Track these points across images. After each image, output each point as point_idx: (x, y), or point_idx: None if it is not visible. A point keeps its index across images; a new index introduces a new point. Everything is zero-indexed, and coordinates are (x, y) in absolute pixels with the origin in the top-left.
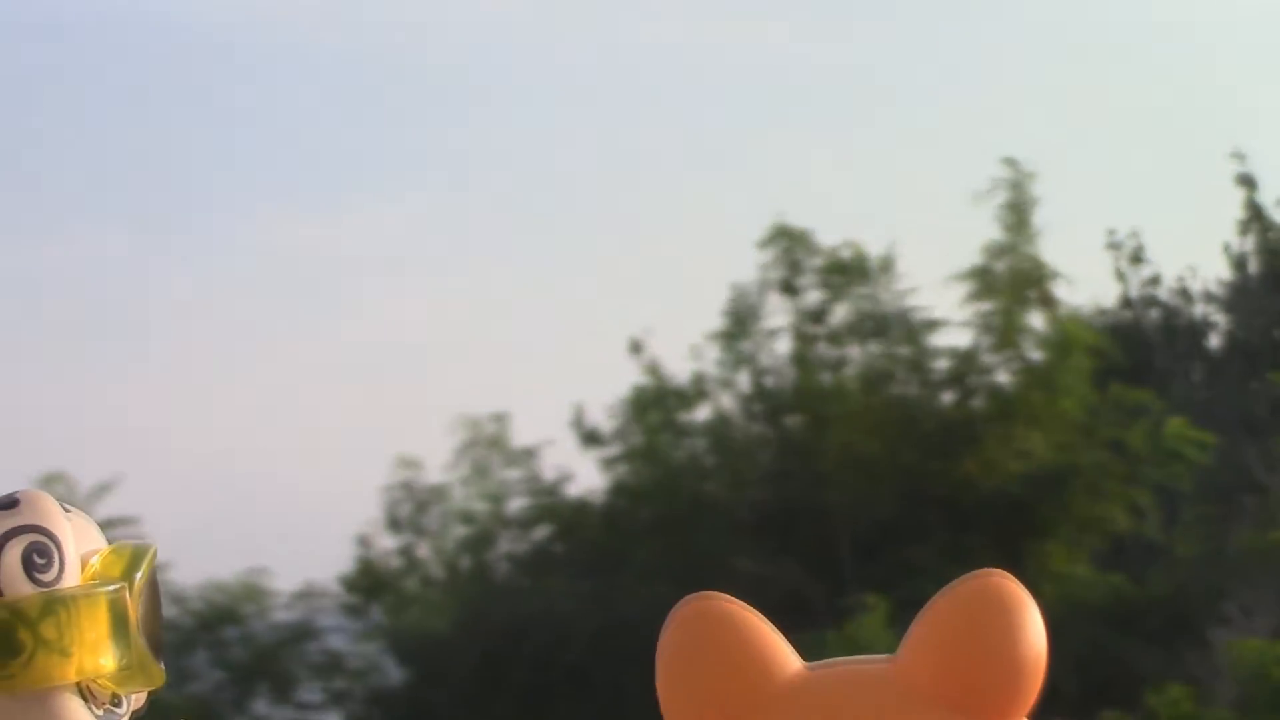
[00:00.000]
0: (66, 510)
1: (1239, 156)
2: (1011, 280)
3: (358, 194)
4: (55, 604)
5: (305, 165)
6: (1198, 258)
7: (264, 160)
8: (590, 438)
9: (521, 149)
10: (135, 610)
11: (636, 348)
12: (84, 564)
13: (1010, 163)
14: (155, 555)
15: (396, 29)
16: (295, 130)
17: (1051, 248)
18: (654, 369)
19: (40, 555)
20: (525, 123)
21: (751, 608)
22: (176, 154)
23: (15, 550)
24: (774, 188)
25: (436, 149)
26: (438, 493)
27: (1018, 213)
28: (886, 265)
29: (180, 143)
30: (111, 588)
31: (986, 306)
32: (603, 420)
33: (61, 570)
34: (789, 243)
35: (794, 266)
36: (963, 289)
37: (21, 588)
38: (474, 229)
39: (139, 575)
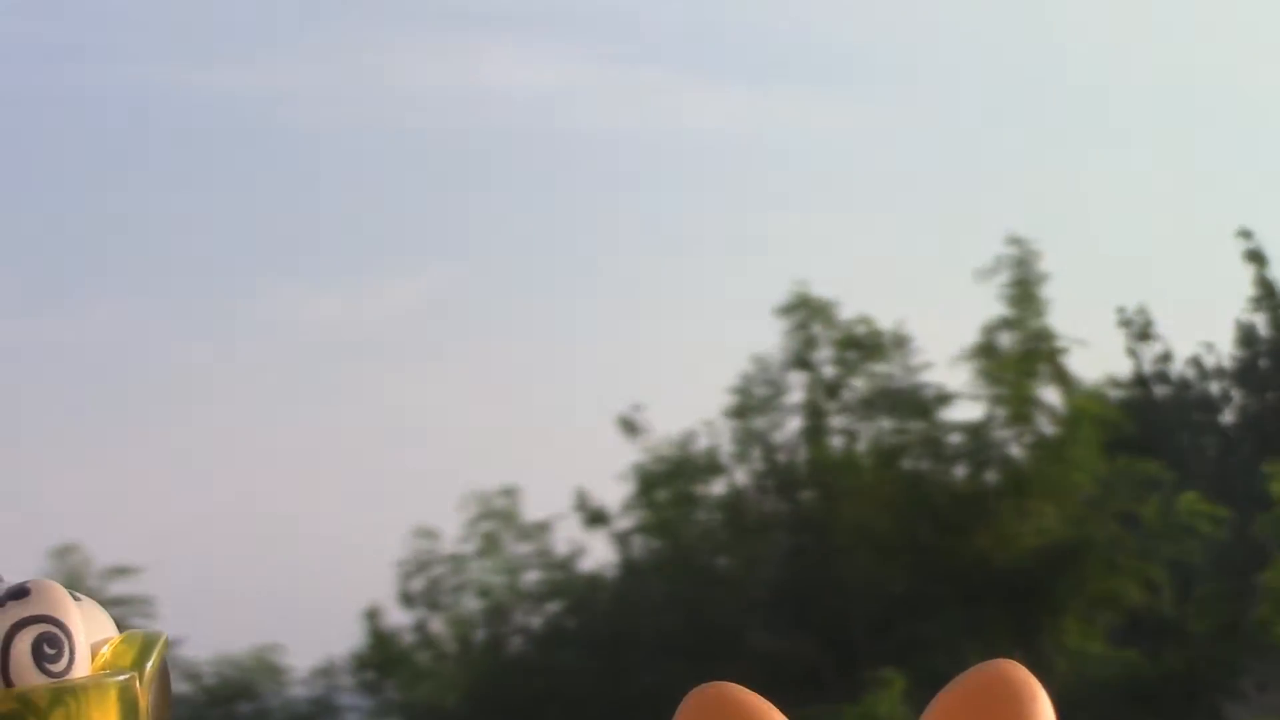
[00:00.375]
0: (77, 599)
1: (1245, 234)
2: (1022, 354)
3: (369, 272)
4: (65, 694)
5: (319, 241)
6: (1211, 333)
7: (279, 235)
8: (595, 518)
9: (531, 225)
10: (145, 699)
11: (638, 426)
12: (94, 653)
13: (1015, 240)
14: (166, 644)
15: (406, 106)
16: (309, 206)
17: (1062, 323)
18: (665, 444)
19: (50, 645)
20: (534, 198)
21: (761, 696)
22: (191, 227)
23: (25, 640)
24: (783, 264)
25: (446, 227)
26: (451, 565)
27: (1024, 288)
28: (900, 341)
29: (197, 216)
30: (122, 677)
31: (997, 381)
32: (613, 495)
33: (72, 660)
34: (809, 312)
35: (809, 341)
36: (974, 364)
37: (31, 678)
38: (485, 305)
39: (149, 664)
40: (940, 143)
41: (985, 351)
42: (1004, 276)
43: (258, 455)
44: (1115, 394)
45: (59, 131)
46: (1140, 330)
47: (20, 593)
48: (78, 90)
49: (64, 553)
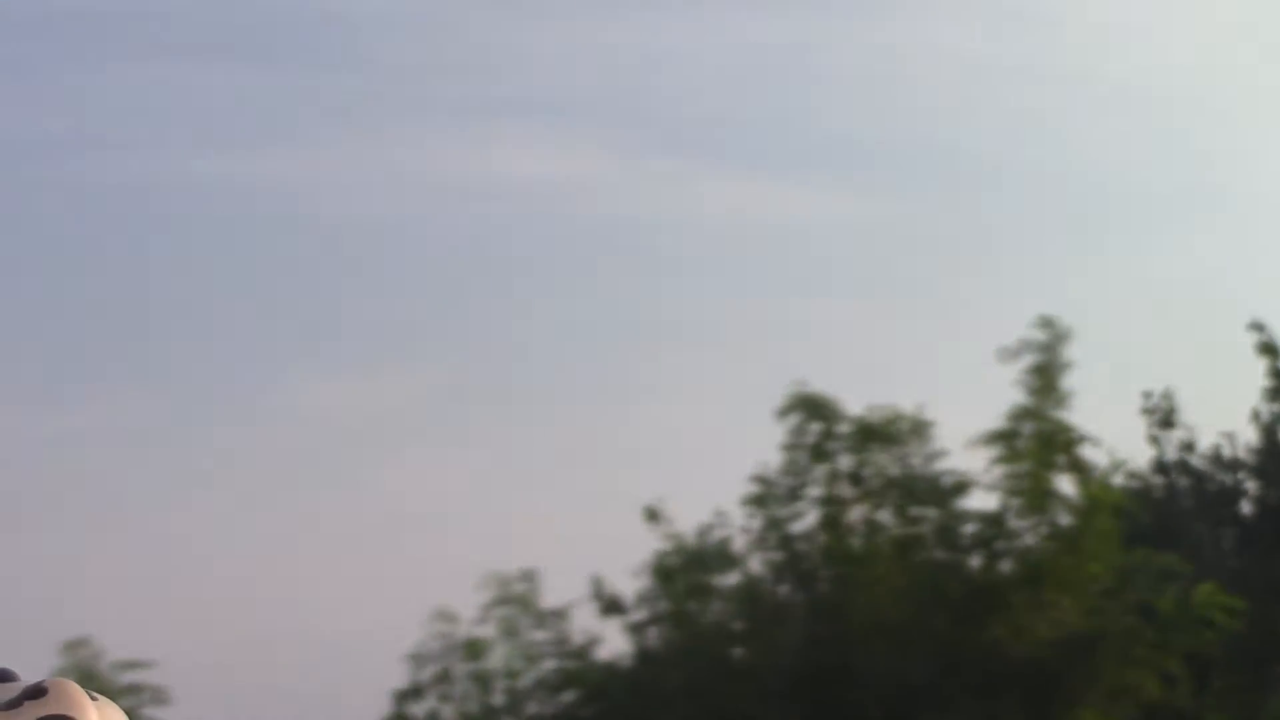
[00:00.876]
0: (94, 698)
1: (1258, 326)
2: (1039, 444)
3: (388, 360)
4: None
5: (335, 330)
6: (1231, 421)
7: (288, 323)
8: (611, 607)
9: (549, 319)
10: None
11: (653, 515)
12: None
13: (1046, 322)
14: None
15: (417, 194)
16: (319, 294)
17: (1081, 409)
18: (677, 534)
19: None
20: (555, 292)
21: None
22: (202, 318)
23: None
24: (803, 349)
25: (465, 318)
26: (468, 651)
27: (1046, 375)
28: (917, 429)
29: (209, 306)
30: None
31: (1015, 470)
32: (629, 584)
33: None
34: (808, 411)
35: (826, 431)
36: (991, 451)
37: None
38: (502, 394)
39: None
40: (961, 232)
41: (1004, 439)
42: (1028, 361)
43: (268, 542)
44: (1133, 484)
45: (70, 220)
46: (1164, 417)
47: (38, 692)
48: (91, 180)
49: (75, 646)
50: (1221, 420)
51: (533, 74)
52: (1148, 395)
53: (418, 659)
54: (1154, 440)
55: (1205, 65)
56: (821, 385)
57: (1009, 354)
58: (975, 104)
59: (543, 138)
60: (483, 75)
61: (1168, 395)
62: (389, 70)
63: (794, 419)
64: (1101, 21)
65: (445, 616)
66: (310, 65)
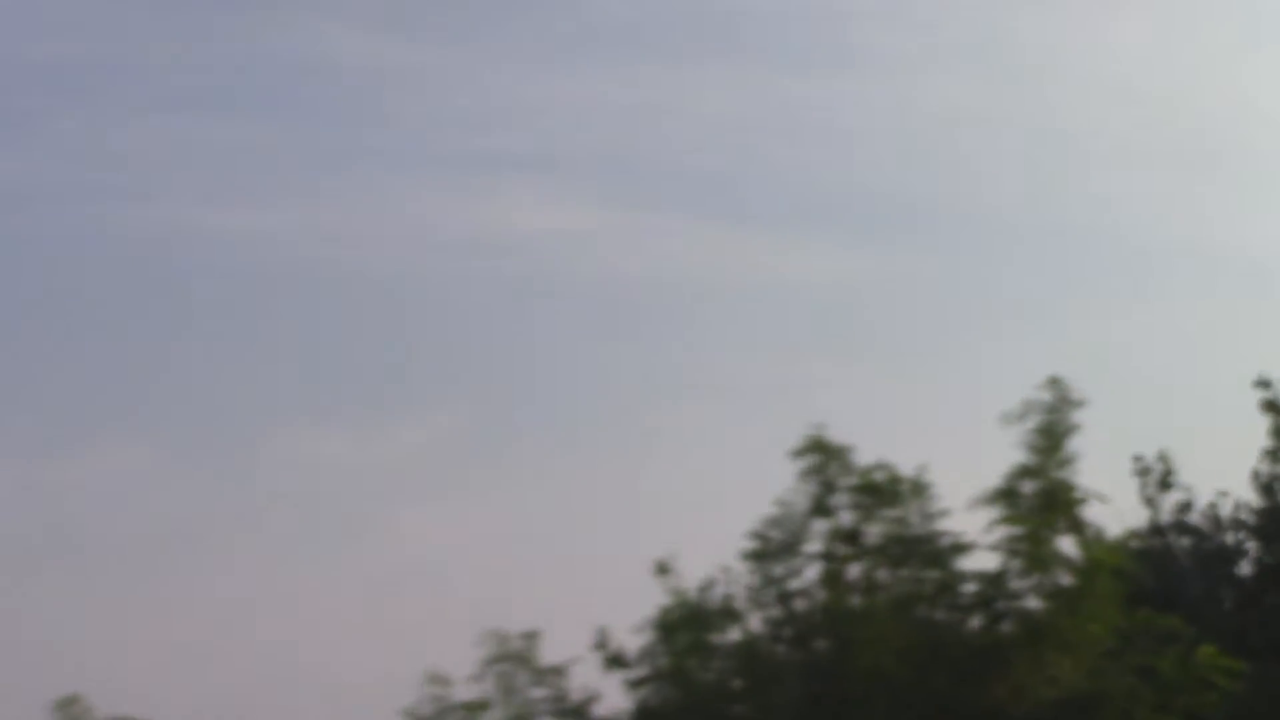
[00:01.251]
0: None
1: (1264, 383)
2: (1040, 503)
3: (390, 412)
4: None
5: (337, 382)
6: (1229, 480)
7: (296, 375)
8: (614, 660)
9: (552, 373)
10: None
11: (664, 569)
12: None
13: (1054, 382)
14: None
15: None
16: (326, 348)
17: (1079, 470)
18: (681, 590)
19: None
20: (558, 346)
21: None
22: (206, 371)
23: None
24: (804, 407)
25: (468, 371)
26: (465, 710)
27: (1052, 436)
28: (918, 488)
29: (210, 360)
30: None
31: (1015, 530)
32: (629, 640)
33: None
34: (824, 457)
35: (827, 486)
36: (992, 511)
37: None
38: (505, 447)
39: None
40: (963, 289)
41: (1005, 498)
42: (1031, 422)
43: (265, 595)
44: (1133, 544)
45: (71, 272)
46: (1161, 478)
47: None
48: (91, 231)
49: (67, 705)
50: (1219, 478)
51: (536, 128)
52: (1139, 458)
53: (413, 717)
54: (1149, 502)
55: (1208, 127)
56: (832, 436)
57: (1013, 414)
58: (977, 161)
59: (546, 192)
60: (486, 129)
61: (1165, 456)
62: (393, 123)
63: (807, 462)
64: (1104, 78)
65: (437, 680)
66: (313, 118)
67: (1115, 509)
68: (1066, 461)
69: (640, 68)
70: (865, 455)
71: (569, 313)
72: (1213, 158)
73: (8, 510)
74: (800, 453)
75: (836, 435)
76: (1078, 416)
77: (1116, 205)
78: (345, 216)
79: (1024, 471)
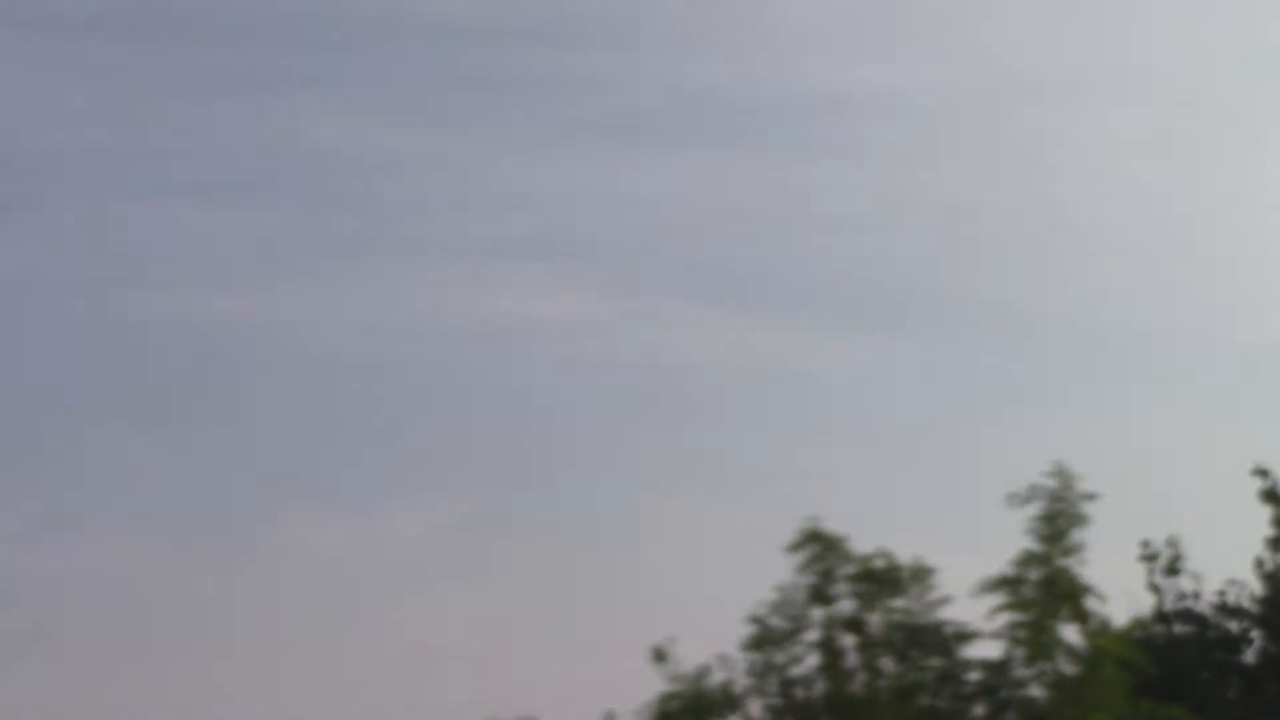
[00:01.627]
0: None
1: (1262, 472)
2: (1045, 591)
3: (389, 499)
4: None
5: (338, 468)
6: (1235, 568)
7: (296, 461)
8: None
9: (552, 459)
10: None
11: (661, 655)
12: None
13: (1059, 470)
14: None
15: (421, 335)
16: (326, 433)
17: (1084, 557)
18: (680, 676)
19: None
20: (558, 433)
21: None
22: (205, 456)
23: None
24: (804, 492)
25: (468, 458)
26: None
27: (1057, 523)
28: (919, 575)
29: (209, 445)
30: None
31: (1019, 617)
32: None
33: None
34: (820, 548)
35: (827, 574)
36: (995, 598)
37: None
38: (502, 537)
39: None
40: (966, 377)
41: (1009, 585)
42: (1037, 508)
43: (266, 684)
44: (1138, 634)
45: (76, 358)
46: (1169, 563)
47: None
48: (97, 317)
49: None
50: (1224, 567)
51: (537, 216)
52: (1146, 544)
53: None
54: (1155, 589)
55: (1205, 216)
56: (827, 525)
57: (1018, 499)
58: (978, 251)
59: (545, 279)
60: (486, 216)
61: (1173, 542)
62: (394, 210)
63: (804, 554)
64: (1103, 170)
65: None
66: (315, 204)
67: (1119, 593)
68: (1072, 550)
69: (640, 156)
70: (864, 540)
71: (568, 399)
72: (1212, 247)
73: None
74: (797, 546)
75: (834, 522)
76: (1085, 507)
77: (1115, 295)
78: (345, 302)
79: (1029, 559)
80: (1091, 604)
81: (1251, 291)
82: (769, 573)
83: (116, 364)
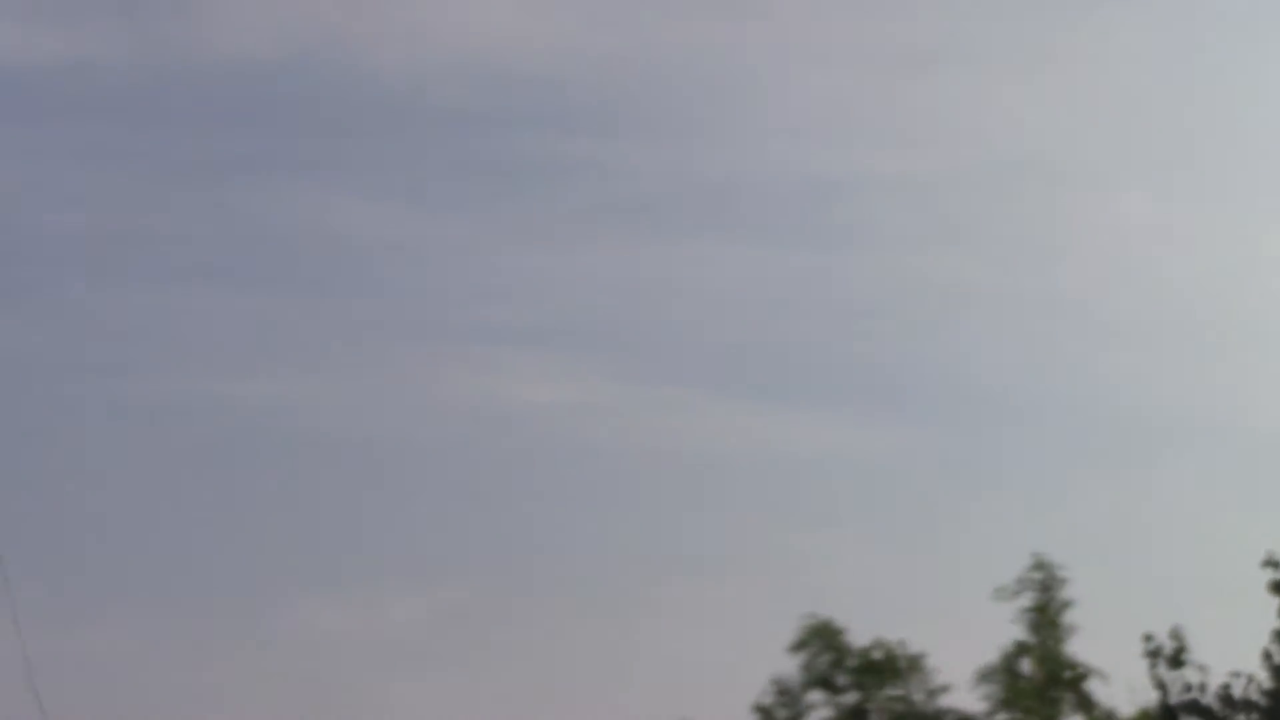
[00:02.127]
0: None
1: (1274, 563)
2: (1042, 680)
3: (393, 581)
4: None
5: (337, 554)
6: (1241, 660)
7: (299, 545)
8: None
9: (554, 543)
10: None
11: None
12: None
13: (1040, 564)
14: None
15: (422, 418)
16: (330, 517)
17: (1087, 647)
18: None
19: None
20: (560, 517)
21: None
22: (206, 540)
23: None
24: (805, 582)
25: (471, 541)
26: None
27: (1046, 613)
28: (916, 664)
29: (211, 529)
30: None
31: (1018, 707)
32: None
33: None
34: (822, 641)
35: (831, 665)
36: (993, 688)
37: None
38: (502, 622)
39: None
40: (967, 462)
41: (1004, 674)
42: (1026, 599)
43: None
44: None
45: (71, 442)
46: (1173, 656)
47: None
48: (100, 401)
49: None
50: (1230, 659)
51: (538, 302)
52: (1149, 638)
53: None
54: (1159, 683)
55: (1209, 302)
56: (827, 614)
57: (1005, 592)
58: (979, 334)
59: (547, 364)
60: (489, 301)
61: (1176, 634)
62: (401, 295)
63: (808, 651)
64: (1105, 254)
65: None
66: (318, 288)
67: (1125, 687)
68: (1064, 636)
69: (641, 243)
70: (865, 625)
71: (570, 484)
72: (1220, 332)
73: (8, 681)
74: (799, 645)
75: (836, 608)
76: (1067, 592)
77: (1122, 379)
78: (348, 386)
79: (1021, 649)
80: (1095, 693)
81: (1261, 377)
82: (770, 657)
83: (114, 447)
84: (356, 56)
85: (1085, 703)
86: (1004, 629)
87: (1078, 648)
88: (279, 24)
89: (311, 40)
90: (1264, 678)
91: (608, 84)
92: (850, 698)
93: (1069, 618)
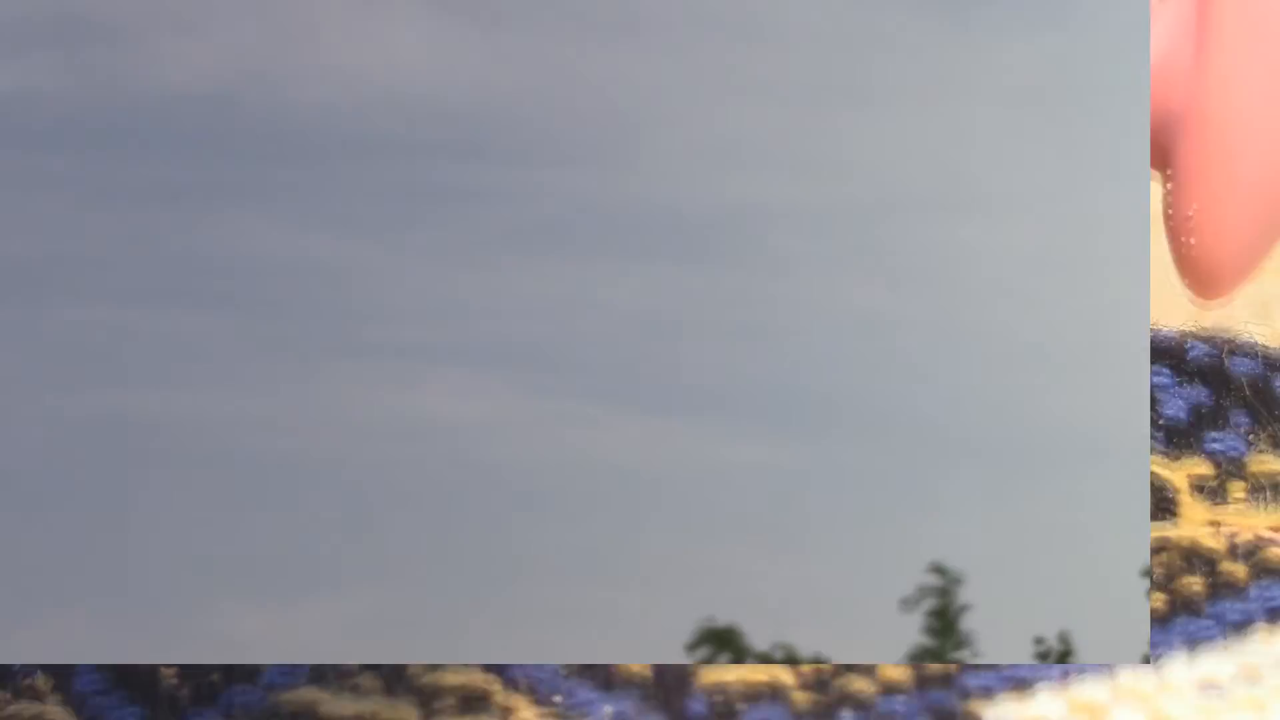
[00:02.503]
0: None
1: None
2: None
3: (308, 597)
4: None
5: (252, 567)
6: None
7: (220, 561)
8: None
9: (467, 562)
10: None
11: None
12: None
13: (938, 569)
14: None
15: (337, 436)
16: (246, 533)
17: (985, 650)
18: None
19: None
20: (470, 534)
21: None
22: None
23: None
24: (704, 593)
25: (384, 558)
26: None
27: (945, 619)
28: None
29: (145, 550)
30: None
31: None
32: None
33: None
34: (717, 646)
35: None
36: None
37: None
38: (424, 638)
39: None
40: (873, 478)
41: None
42: (926, 607)
43: None
44: None
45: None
46: (1060, 658)
47: None
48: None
49: None
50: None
51: (456, 320)
52: (1039, 640)
53: None
54: None
55: (1103, 325)
56: (729, 623)
57: (910, 603)
58: (906, 360)
59: (463, 381)
60: (407, 321)
61: (1064, 637)
62: (319, 315)
63: (701, 654)
64: (999, 283)
65: None
66: (243, 309)
67: None
68: (962, 643)
69: (551, 265)
70: (764, 634)
71: (486, 501)
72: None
73: None
74: (693, 646)
75: (738, 616)
76: (965, 598)
77: (1025, 401)
78: (265, 402)
79: (927, 655)
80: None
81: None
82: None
83: (49, 462)
84: (278, 91)
85: None
86: (907, 635)
87: (975, 651)
88: (206, 60)
89: (234, 76)
90: None
91: (520, 115)
92: None
93: (965, 624)
